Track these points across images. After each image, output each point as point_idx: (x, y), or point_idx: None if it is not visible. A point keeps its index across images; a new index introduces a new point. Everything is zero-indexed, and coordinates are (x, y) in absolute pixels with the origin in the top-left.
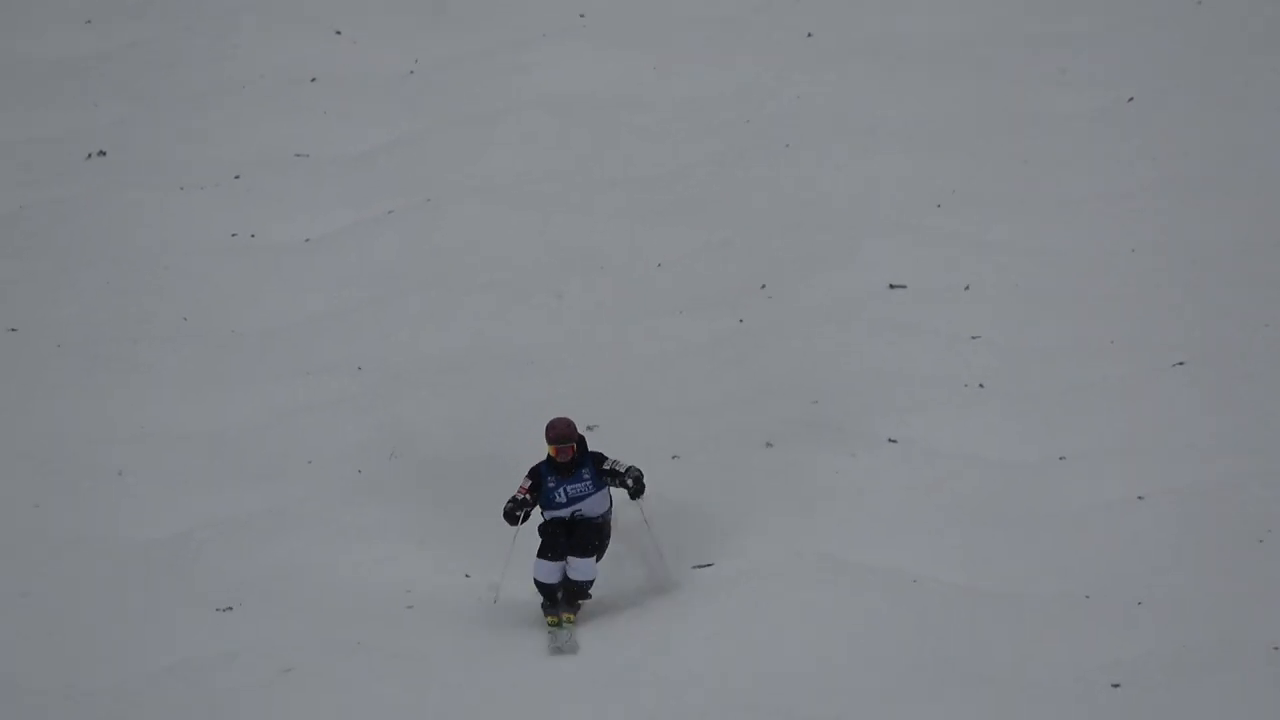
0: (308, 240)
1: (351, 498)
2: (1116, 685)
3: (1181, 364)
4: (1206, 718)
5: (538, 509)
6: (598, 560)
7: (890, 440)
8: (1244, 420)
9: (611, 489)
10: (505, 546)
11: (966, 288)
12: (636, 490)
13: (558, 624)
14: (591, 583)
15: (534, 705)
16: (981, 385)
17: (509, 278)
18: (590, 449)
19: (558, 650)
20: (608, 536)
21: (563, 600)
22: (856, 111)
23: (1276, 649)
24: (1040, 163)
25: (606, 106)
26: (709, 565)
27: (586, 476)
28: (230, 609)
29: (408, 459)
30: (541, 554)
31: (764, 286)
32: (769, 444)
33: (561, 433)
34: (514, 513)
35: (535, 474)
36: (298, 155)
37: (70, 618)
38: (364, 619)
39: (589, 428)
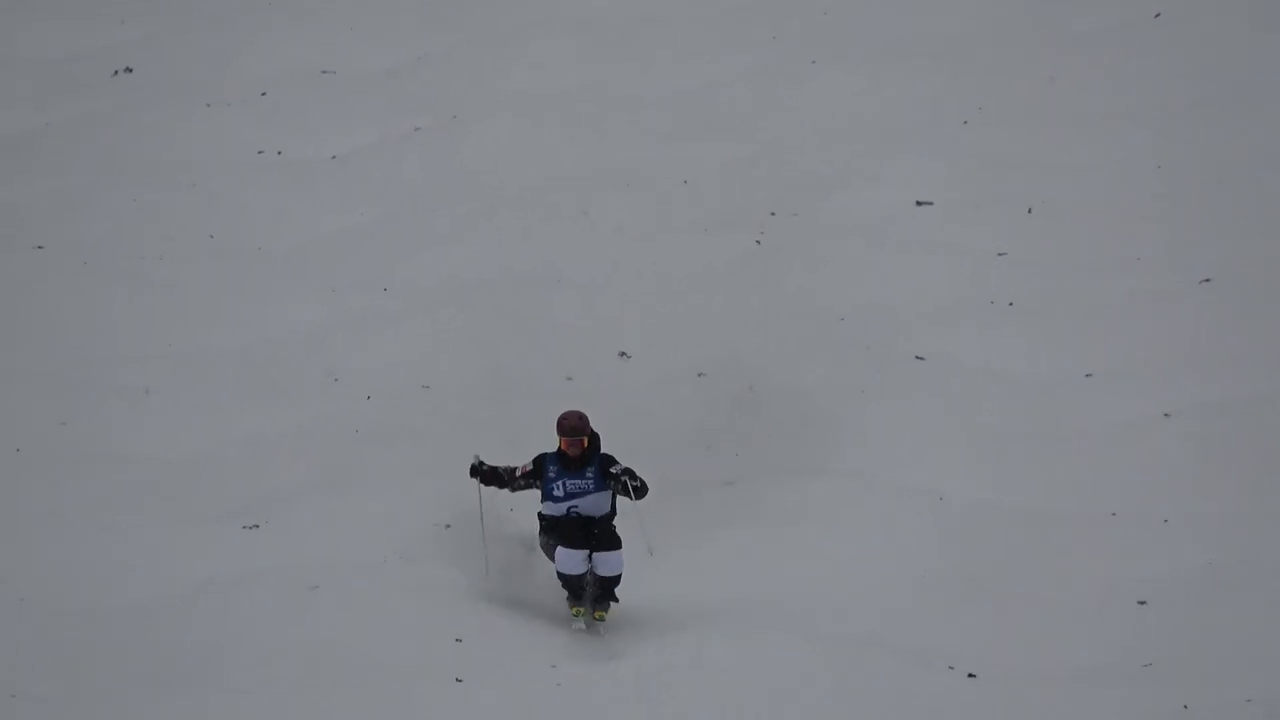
0: (334, 158)
1: (377, 418)
2: (1143, 602)
3: (1208, 281)
4: (1232, 635)
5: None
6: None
7: (918, 358)
8: (1271, 337)
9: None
10: (477, 508)
11: (993, 205)
12: (639, 495)
13: (583, 614)
14: (619, 579)
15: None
16: (1011, 303)
17: (536, 195)
18: (602, 450)
19: (581, 629)
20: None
21: (590, 599)
22: (883, 29)
23: None
24: (1067, 80)
25: (634, 23)
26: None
27: (590, 475)
28: (257, 526)
29: (435, 376)
30: (564, 542)
31: (790, 204)
32: (795, 363)
33: (574, 425)
34: (479, 468)
35: (539, 462)
36: (324, 72)
37: (96, 536)
38: (392, 538)
39: (621, 354)
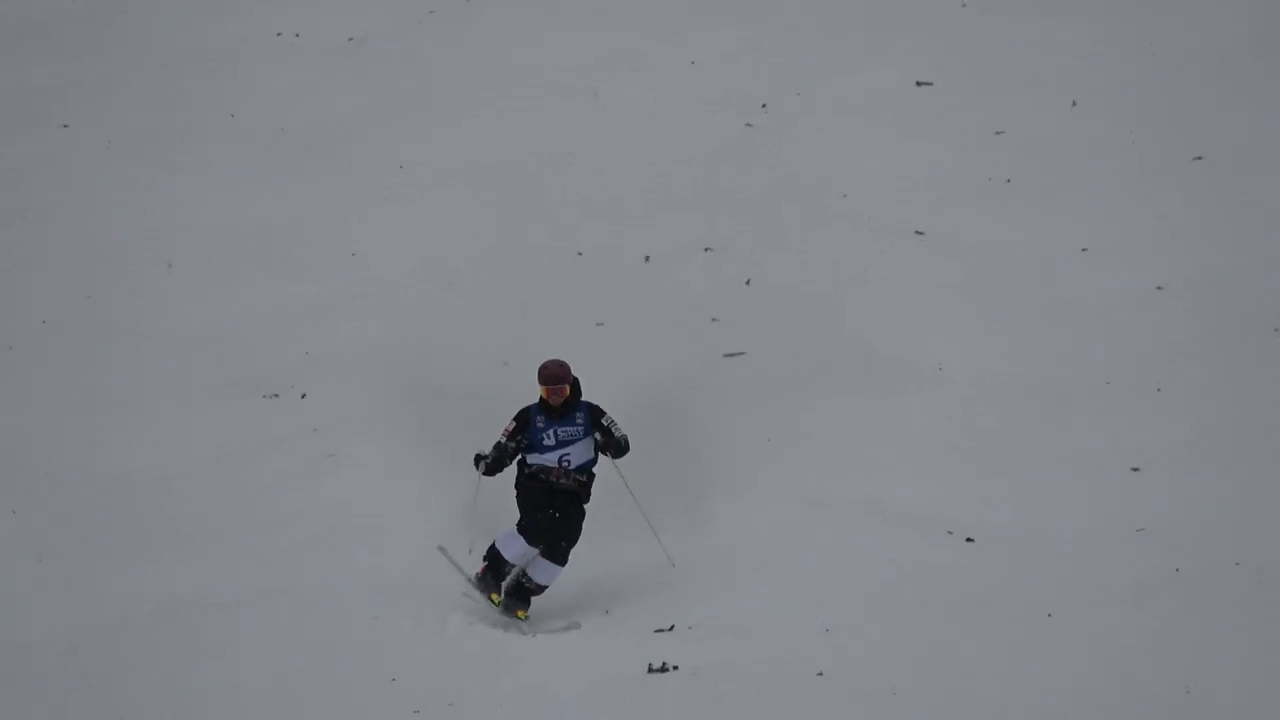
0: (351, 40)
1: (393, 291)
2: (1136, 469)
3: (1200, 159)
4: (1222, 500)
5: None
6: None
7: (918, 232)
8: (1260, 213)
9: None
10: (471, 495)
11: (991, 86)
12: (619, 453)
13: (499, 604)
14: (541, 589)
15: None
16: (1008, 181)
17: (548, 76)
18: (585, 398)
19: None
20: (580, 529)
21: (507, 590)
22: None
23: None
24: None
25: None
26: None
27: (580, 420)
28: (276, 396)
29: (450, 250)
30: (521, 530)
31: (793, 84)
32: (798, 239)
33: (554, 373)
34: (481, 459)
35: (522, 416)
36: None
37: (120, 405)
38: (409, 405)
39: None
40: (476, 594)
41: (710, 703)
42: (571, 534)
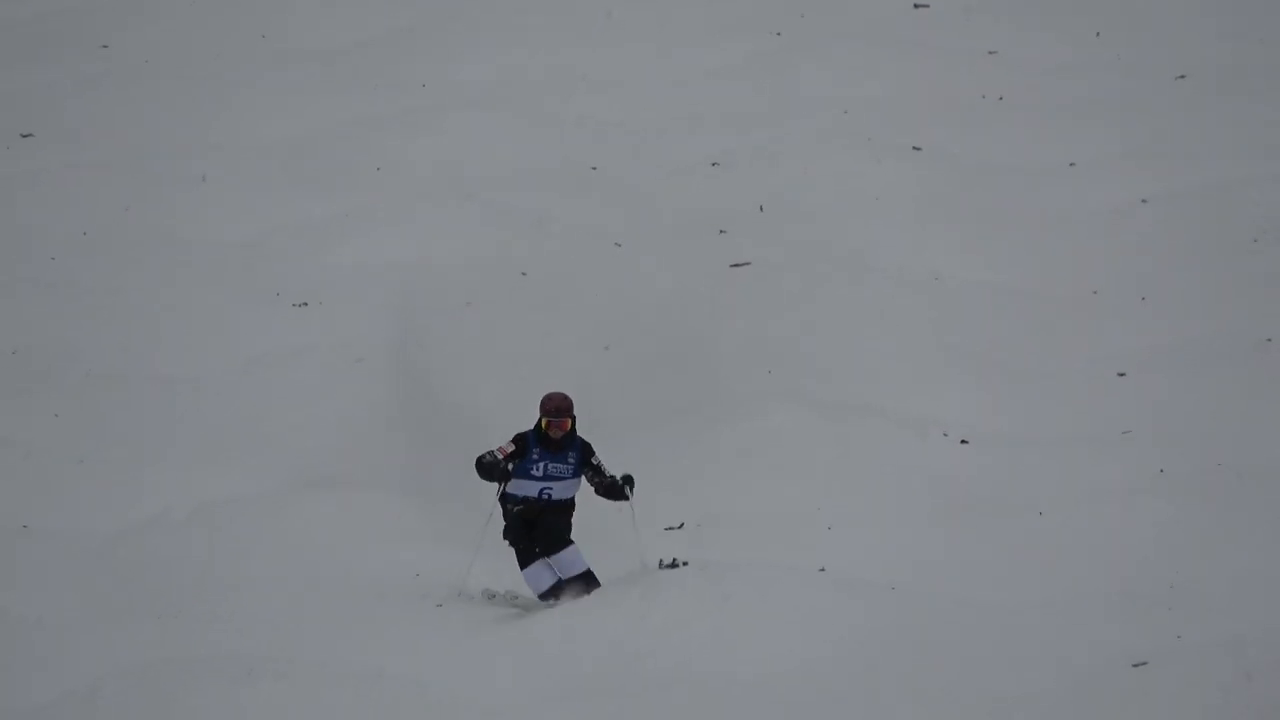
0: None
1: (416, 203)
2: (1122, 374)
3: (1183, 78)
4: (1203, 405)
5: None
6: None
7: (915, 148)
8: (1239, 130)
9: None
10: (477, 532)
11: (985, 9)
12: (611, 495)
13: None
14: (590, 572)
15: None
16: (1001, 98)
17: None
18: (579, 435)
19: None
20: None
21: (575, 595)
22: None
23: (1269, 340)
24: None
25: None
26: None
27: (571, 460)
28: (306, 305)
29: (471, 163)
30: (524, 564)
31: (798, 7)
32: (802, 155)
33: (559, 405)
34: (496, 465)
35: (521, 440)
36: None
37: (155, 314)
38: (433, 313)
39: (637, 147)
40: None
41: (717, 595)
42: (558, 528)
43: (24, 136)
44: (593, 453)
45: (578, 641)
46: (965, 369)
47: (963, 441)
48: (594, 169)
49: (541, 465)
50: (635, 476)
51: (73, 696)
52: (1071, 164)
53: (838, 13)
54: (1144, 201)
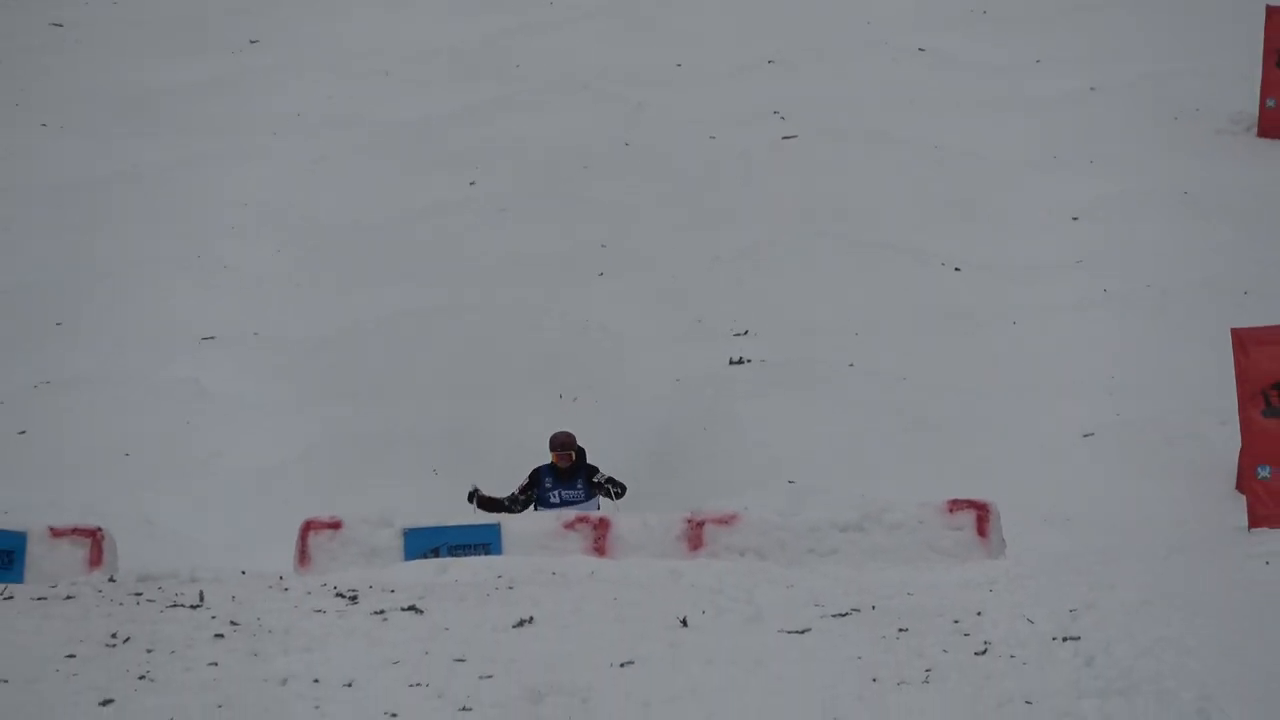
0: None
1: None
2: (1075, 218)
3: None
4: (1141, 240)
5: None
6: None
7: (920, 49)
8: (1174, 25)
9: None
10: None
11: None
12: (618, 496)
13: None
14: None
15: None
16: (984, 12)
17: None
18: (588, 462)
19: None
20: None
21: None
22: None
23: (1186, 193)
24: None
25: None
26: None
27: (580, 485)
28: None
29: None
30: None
31: None
32: (826, 56)
33: (563, 441)
34: (475, 495)
35: (535, 475)
36: None
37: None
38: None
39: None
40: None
41: (780, 385)
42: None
43: None
44: (596, 470)
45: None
46: (955, 214)
47: (956, 269)
48: (679, 65)
49: (556, 493)
50: (627, 486)
51: None
52: (1037, 60)
53: None
54: (1092, 89)
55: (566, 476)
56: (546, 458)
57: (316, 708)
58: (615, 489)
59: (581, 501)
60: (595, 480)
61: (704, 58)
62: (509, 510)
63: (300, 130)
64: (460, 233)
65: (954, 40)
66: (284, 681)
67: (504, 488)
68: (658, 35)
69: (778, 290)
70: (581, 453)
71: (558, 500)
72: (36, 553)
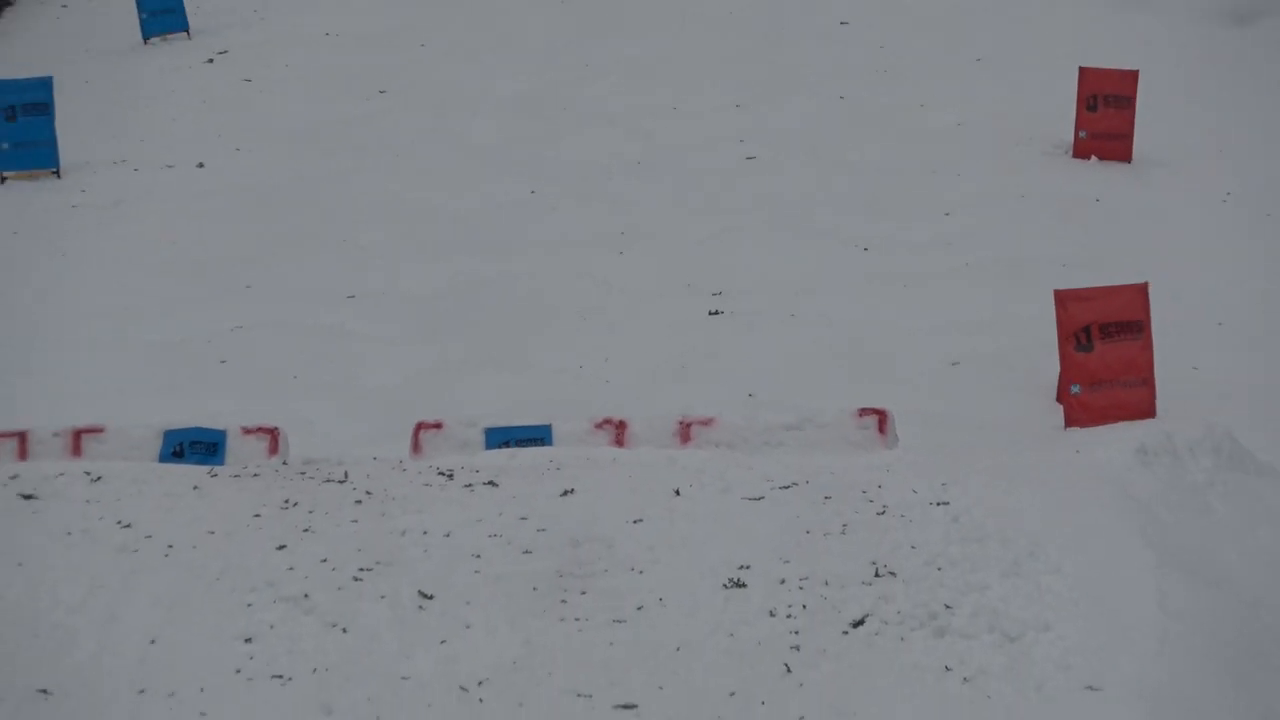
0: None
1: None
2: (948, 214)
3: None
4: (997, 227)
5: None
6: None
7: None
8: (1020, 83)
9: None
10: None
11: None
12: None
13: None
14: None
15: None
16: (885, 70)
17: None
18: None
19: None
20: None
21: None
22: None
23: (1023, 196)
24: None
25: None
26: None
27: None
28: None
29: None
30: None
31: None
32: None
33: None
34: None
35: None
36: None
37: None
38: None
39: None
40: None
41: (745, 329)
42: None
43: None
44: None
45: None
46: (870, 211)
47: (865, 249)
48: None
49: None
50: None
51: None
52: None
53: None
54: (959, 124)
55: None
56: (583, 374)
57: (425, 551)
58: None
59: None
60: None
61: (691, 102)
62: None
63: (413, 149)
64: (524, 222)
65: (862, 90)
66: (403, 533)
67: (552, 388)
68: (659, 87)
69: (742, 263)
70: None
71: None
72: (233, 445)
